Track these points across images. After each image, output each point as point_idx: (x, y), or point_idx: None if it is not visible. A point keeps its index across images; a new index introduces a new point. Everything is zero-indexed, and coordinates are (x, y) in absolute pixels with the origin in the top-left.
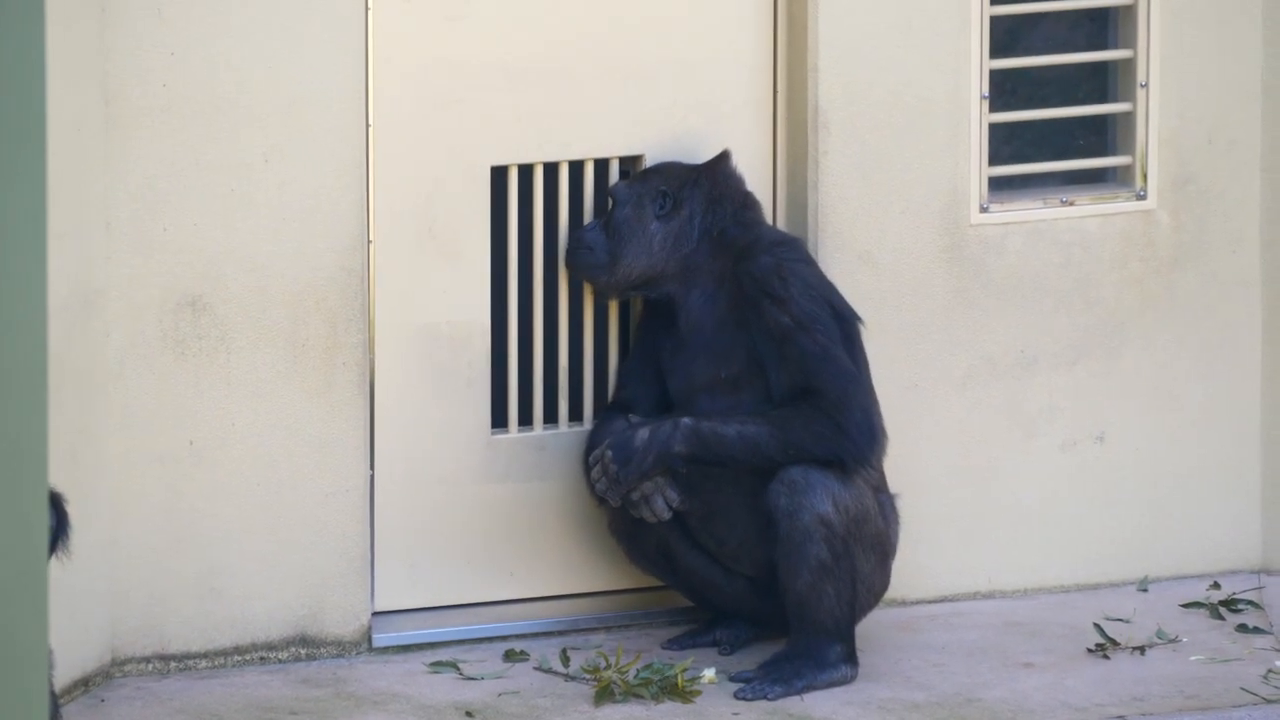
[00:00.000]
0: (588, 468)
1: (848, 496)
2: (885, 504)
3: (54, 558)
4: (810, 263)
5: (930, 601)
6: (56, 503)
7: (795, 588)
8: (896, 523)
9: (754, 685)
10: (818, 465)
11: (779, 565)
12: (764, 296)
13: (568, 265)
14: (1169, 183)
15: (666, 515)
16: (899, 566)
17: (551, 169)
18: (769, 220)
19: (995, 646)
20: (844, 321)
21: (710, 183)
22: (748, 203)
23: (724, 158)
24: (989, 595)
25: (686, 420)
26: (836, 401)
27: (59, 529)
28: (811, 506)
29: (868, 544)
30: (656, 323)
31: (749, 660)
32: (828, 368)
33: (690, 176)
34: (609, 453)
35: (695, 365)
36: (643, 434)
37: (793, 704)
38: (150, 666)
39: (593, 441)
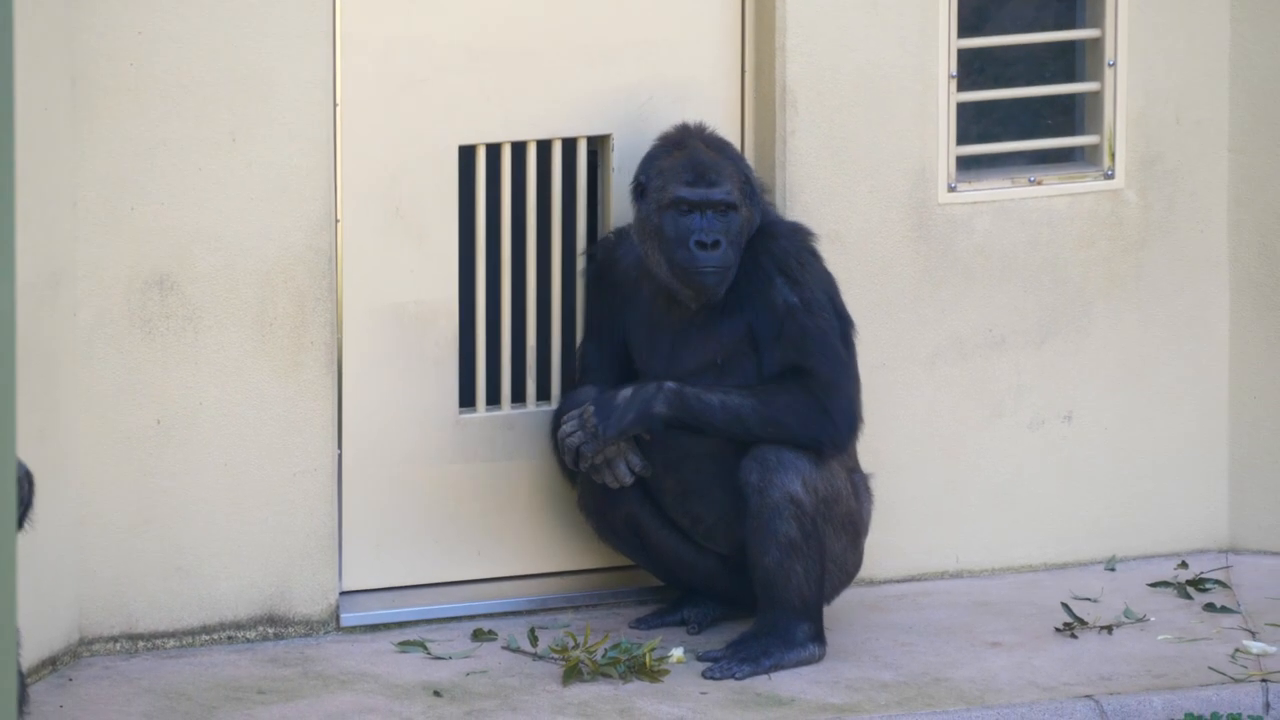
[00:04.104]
0: (558, 438)
1: (818, 477)
2: (859, 483)
3: (19, 531)
4: (821, 257)
5: (898, 581)
6: (21, 478)
7: (764, 564)
8: (870, 502)
9: (722, 664)
10: (791, 447)
11: (748, 541)
12: (779, 273)
13: (692, 284)
14: (1137, 162)
15: (629, 480)
16: (867, 546)
17: (519, 148)
18: None
19: (963, 626)
20: (843, 321)
21: None
22: (764, 186)
23: None
24: (957, 575)
25: (670, 384)
26: (826, 384)
27: (24, 504)
28: (782, 484)
29: (838, 524)
30: (618, 299)
31: (717, 640)
32: (824, 350)
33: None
34: (590, 407)
35: (686, 349)
36: (625, 393)
37: (760, 683)
38: (118, 646)
39: (560, 411)
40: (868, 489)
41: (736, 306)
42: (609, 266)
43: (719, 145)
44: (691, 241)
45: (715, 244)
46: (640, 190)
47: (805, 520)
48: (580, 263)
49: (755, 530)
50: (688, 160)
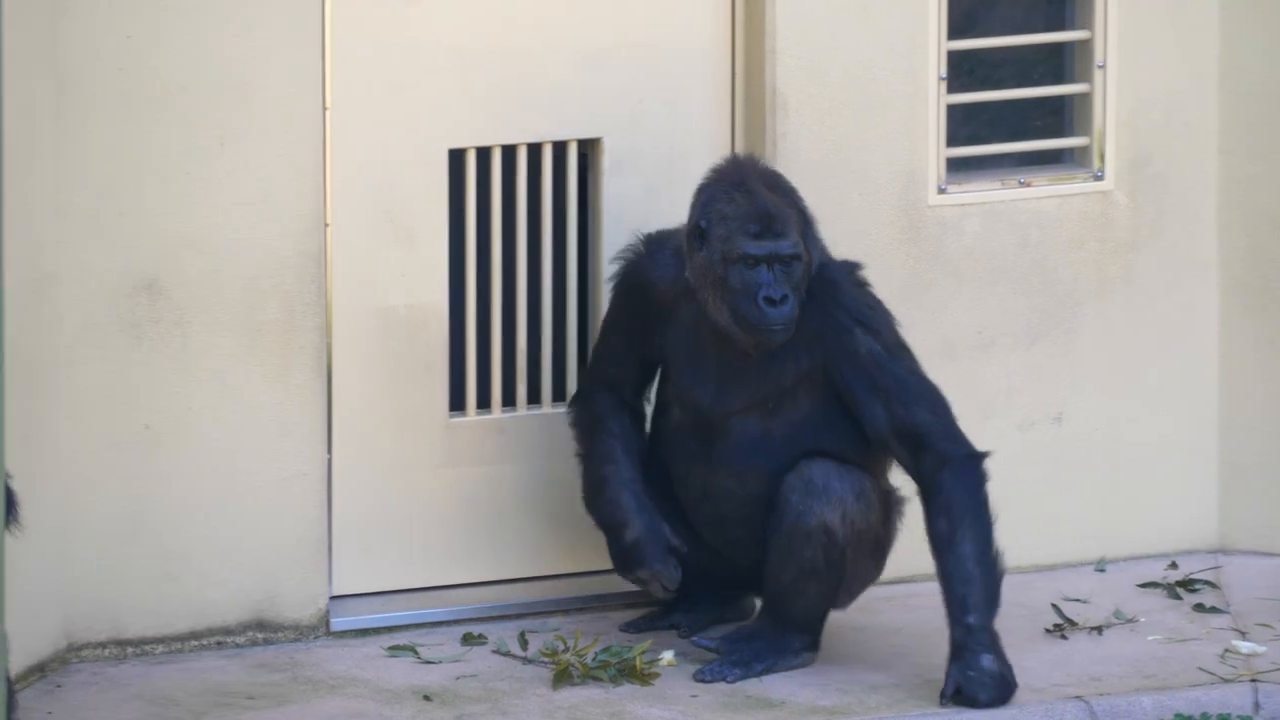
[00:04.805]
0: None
1: (857, 510)
2: (891, 502)
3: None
4: (873, 290)
5: (888, 583)
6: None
7: (780, 579)
8: (899, 518)
9: (713, 667)
10: (839, 465)
11: (770, 552)
12: (856, 324)
13: (758, 338)
14: (1126, 164)
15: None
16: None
17: (509, 151)
18: None
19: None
20: (912, 354)
21: None
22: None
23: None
24: None
25: (977, 626)
26: (945, 434)
27: (9, 508)
28: (820, 514)
29: (864, 551)
30: (652, 313)
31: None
32: (924, 396)
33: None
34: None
35: (738, 383)
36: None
37: (751, 685)
38: (106, 652)
39: (577, 407)
40: (899, 505)
41: (796, 349)
42: (640, 277)
43: (775, 183)
44: (760, 298)
45: (784, 299)
46: (700, 235)
47: (834, 551)
48: (607, 268)
49: (780, 548)
50: (752, 208)
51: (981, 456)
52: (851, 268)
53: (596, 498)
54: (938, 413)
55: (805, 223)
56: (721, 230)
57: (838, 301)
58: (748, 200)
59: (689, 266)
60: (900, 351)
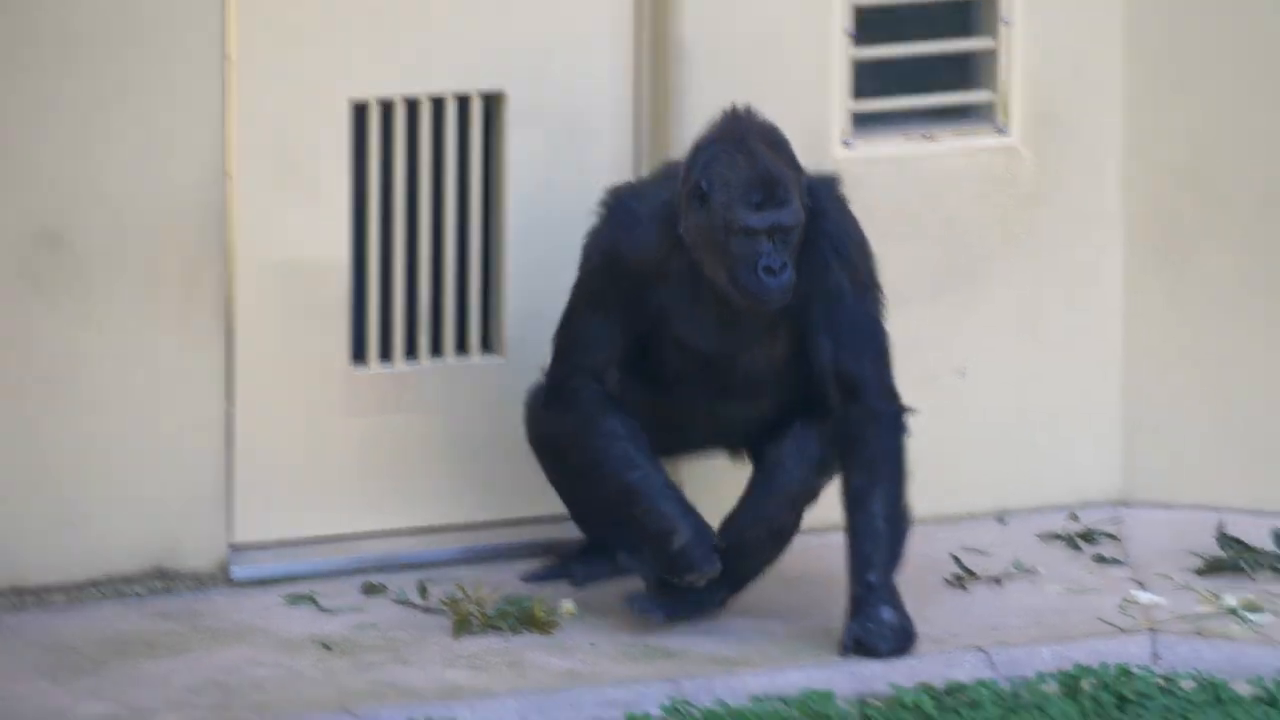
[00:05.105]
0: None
1: (824, 477)
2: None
3: None
4: (849, 207)
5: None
6: None
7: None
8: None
9: (642, 601)
10: (820, 429)
11: (747, 507)
12: (835, 258)
13: (755, 304)
14: (1032, 119)
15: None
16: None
17: (413, 104)
18: (638, 159)
19: None
20: (879, 292)
21: None
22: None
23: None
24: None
25: (872, 578)
26: (882, 388)
27: None
28: (808, 481)
29: (801, 514)
30: (639, 275)
31: (606, 593)
32: (875, 344)
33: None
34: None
35: (737, 327)
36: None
37: (651, 635)
38: (5, 600)
39: (538, 395)
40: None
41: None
42: (617, 249)
43: (774, 139)
44: (760, 268)
45: (782, 268)
46: (700, 197)
47: (798, 515)
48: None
49: (758, 507)
50: (754, 174)
51: (907, 414)
52: (832, 186)
53: (630, 508)
54: (879, 364)
55: (798, 173)
56: (723, 196)
57: (822, 230)
58: (749, 164)
59: (684, 225)
60: (865, 291)
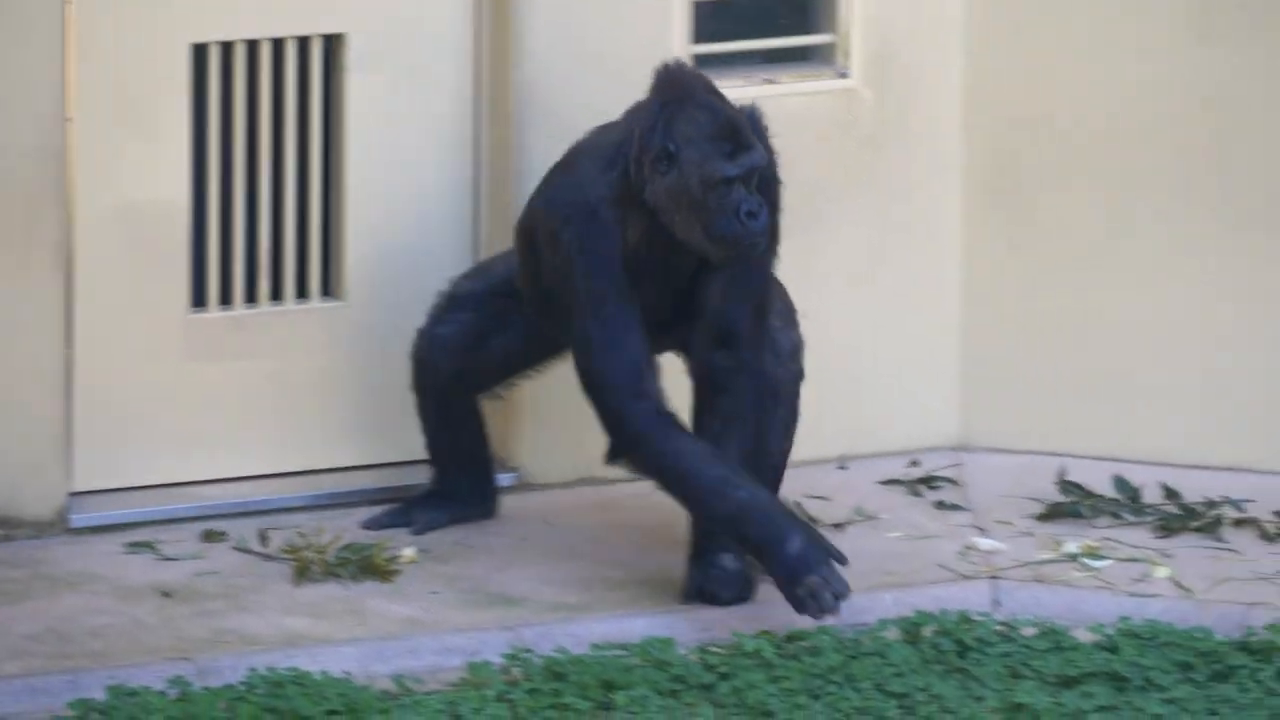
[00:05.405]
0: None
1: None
2: None
3: None
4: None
5: (629, 480)
6: None
7: None
8: None
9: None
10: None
11: None
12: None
13: (738, 252)
14: (872, 61)
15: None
16: (601, 446)
17: (253, 47)
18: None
19: None
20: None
21: None
22: None
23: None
24: None
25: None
26: (753, 340)
27: None
28: None
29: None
30: (616, 242)
31: (446, 540)
32: (758, 295)
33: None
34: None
35: (669, 281)
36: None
37: (492, 582)
38: None
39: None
40: None
41: None
42: (600, 220)
43: (712, 87)
44: (741, 213)
45: (760, 208)
46: (669, 158)
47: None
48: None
49: None
50: (714, 123)
51: (771, 373)
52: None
53: (741, 526)
54: (759, 316)
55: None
56: (693, 153)
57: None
58: (710, 116)
59: (650, 189)
60: (773, 239)
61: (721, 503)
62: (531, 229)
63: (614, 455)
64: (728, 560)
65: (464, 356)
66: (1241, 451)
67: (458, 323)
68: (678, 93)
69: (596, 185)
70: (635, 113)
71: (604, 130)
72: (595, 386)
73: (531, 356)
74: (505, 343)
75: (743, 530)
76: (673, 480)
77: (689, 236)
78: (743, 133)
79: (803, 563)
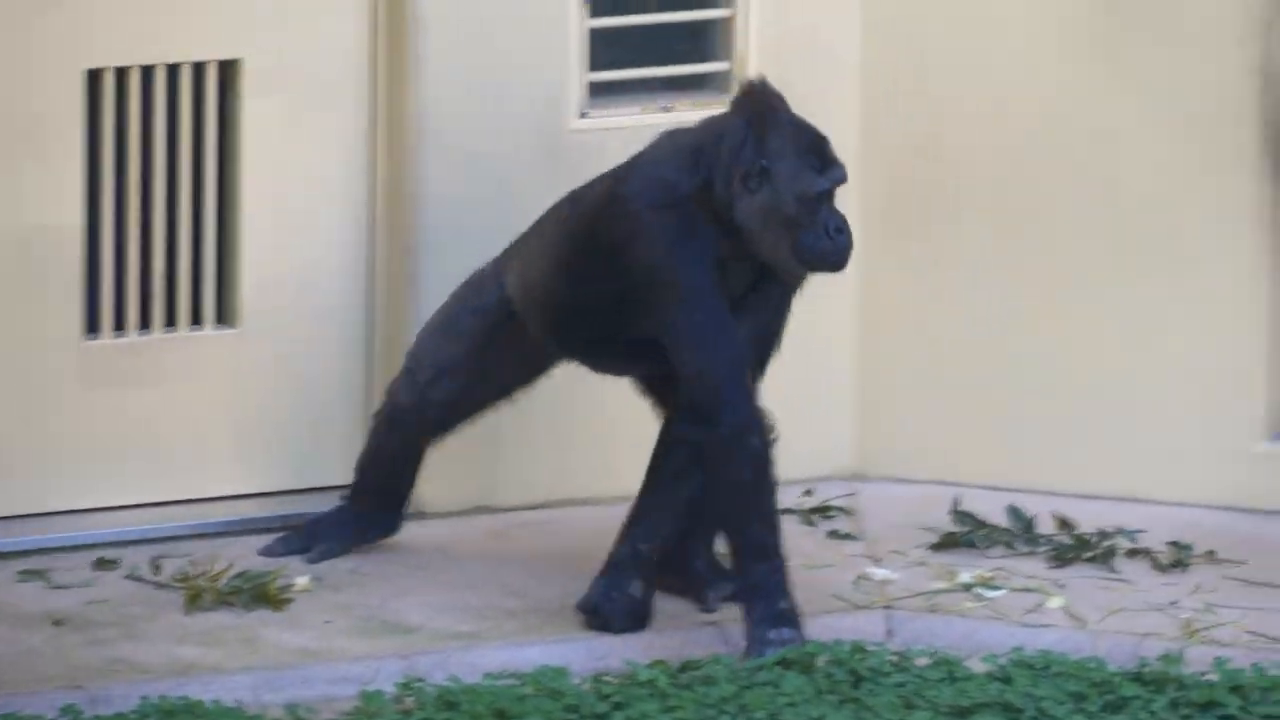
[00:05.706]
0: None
1: None
2: None
3: None
4: None
5: (525, 508)
6: None
7: None
8: None
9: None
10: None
11: None
12: None
13: (827, 269)
14: None
15: None
16: (497, 474)
17: (148, 72)
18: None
19: (591, 553)
20: None
21: None
22: None
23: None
24: (584, 502)
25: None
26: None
27: None
28: None
29: None
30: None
31: (341, 568)
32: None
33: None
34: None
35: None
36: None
37: (387, 611)
38: None
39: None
40: None
41: None
42: (694, 228)
43: (787, 103)
44: (831, 229)
45: (845, 223)
46: (761, 174)
47: None
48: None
49: None
50: (804, 140)
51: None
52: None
53: (772, 557)
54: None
55: None
56: (784, 169)
57: None
58: (796, 132)
59: (740, 206)
60: None
61: (776, 522)
62: (606, 226)
63: (709, 445)
64: (634, 588)
65: (452, 412)
66: (1134, 482)
67: (447, 390)
68: (761, 109)
69: (683, 185)
70: (714, 125)
71: (674, 135)
72: (702, 374)
73: (505, 398)
74: (487, 395)
75: (767, 560)
76: (754, 480)
77: (775, 254)
78: (828, 147)
79: (784, 619)
